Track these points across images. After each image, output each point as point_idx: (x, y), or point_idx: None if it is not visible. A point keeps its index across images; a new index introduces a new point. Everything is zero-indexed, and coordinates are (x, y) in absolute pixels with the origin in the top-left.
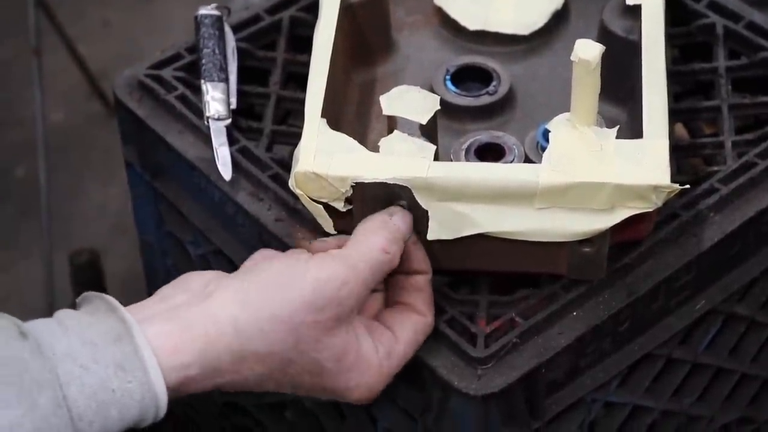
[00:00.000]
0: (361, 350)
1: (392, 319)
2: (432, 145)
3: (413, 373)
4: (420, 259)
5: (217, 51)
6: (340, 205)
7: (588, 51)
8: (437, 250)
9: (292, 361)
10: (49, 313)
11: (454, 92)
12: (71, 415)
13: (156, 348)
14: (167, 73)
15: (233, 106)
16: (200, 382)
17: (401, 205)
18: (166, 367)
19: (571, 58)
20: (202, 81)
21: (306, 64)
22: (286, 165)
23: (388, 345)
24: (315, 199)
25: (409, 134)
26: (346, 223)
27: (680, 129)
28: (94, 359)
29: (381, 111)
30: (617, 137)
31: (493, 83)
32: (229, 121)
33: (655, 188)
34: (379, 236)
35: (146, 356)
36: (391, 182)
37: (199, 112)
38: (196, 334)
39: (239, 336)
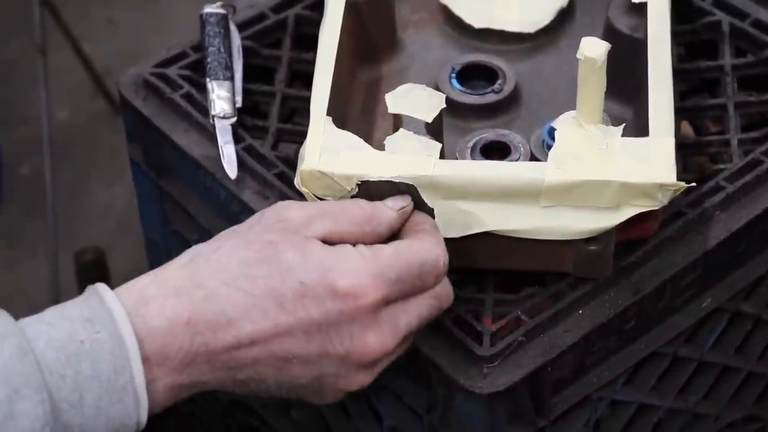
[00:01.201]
0: (332, 247)
1: None
2: (438, 143)
3: (419, 371)
4: (419, 217)
5: (222, 49)
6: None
7: (594, 49)
8: None
9: (250, 262)
10: None
11: (460, 90)
12: (40, 367)
13: (126, 302)
14: (173, 71)
15: (239, 104)
16: (175, 330)
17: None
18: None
19: (577, 56)
20: (208, 79)
21: (311, 63)
22: (292, 163)
23: (371, 246)
24: (321, 197)
25: (414, 132)
26: None
27: (686, 127)
28: (61, 316)
29: (386, 109)
30: (623, 135)
31: (499, 81)
32: (234, 119)
33: (661, 186)
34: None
35: (114, 307)
36: (397, 180)
37: (204, 110)
38: (167, 285)
39: (196, 252)
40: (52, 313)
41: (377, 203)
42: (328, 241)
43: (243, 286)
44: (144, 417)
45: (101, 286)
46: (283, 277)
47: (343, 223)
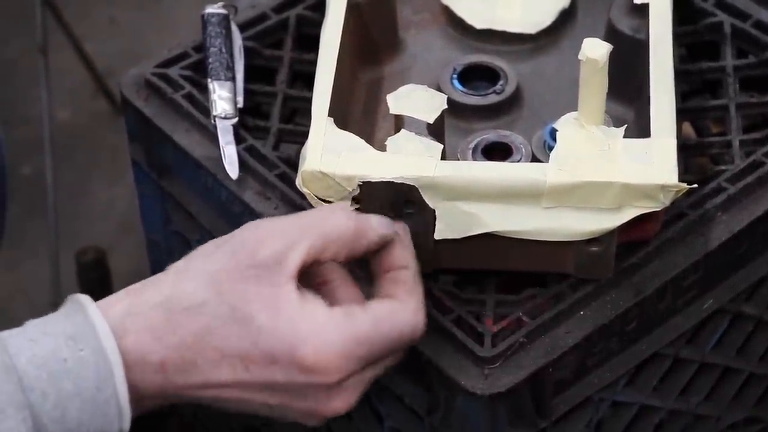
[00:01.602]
0: (306, 306)
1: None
2: (439, 144)
3: (420, 372)
4: (401, 255)
5: (224, 50)
6: (347, 205)
7: (596, 50)
8: (444, 249)
9: (223, 319)
10: (54, 311)
11: (461, 91)
12: (22, 385)
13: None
14: (174, 71)
15: (240, 104)
16: (152, 353)
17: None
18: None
19: (579, 57)
20: (209, 80)
21: (312, 63)
22: (293, 164)
23: (349, 308)
24: (322, 198)
25: (416, 133)
26: None
27: (687, 128)
28: (44, 332)
29: (388, 110)
30: (625, 136)
31: (500, 82)
32: (236, 119)
33: (663, 187)
34: (330, 207)
35: (97, 323)
36: (399, 181)
37: (205, 110)
38: (143, 322)
39: (170, 295)
40: (34, 329)
41: (362, 218)
42: (307, 263)
43: (214, 342)
44: (127, 425)
45: (84, 299)
46: (255, 342)
47: (324, 240)
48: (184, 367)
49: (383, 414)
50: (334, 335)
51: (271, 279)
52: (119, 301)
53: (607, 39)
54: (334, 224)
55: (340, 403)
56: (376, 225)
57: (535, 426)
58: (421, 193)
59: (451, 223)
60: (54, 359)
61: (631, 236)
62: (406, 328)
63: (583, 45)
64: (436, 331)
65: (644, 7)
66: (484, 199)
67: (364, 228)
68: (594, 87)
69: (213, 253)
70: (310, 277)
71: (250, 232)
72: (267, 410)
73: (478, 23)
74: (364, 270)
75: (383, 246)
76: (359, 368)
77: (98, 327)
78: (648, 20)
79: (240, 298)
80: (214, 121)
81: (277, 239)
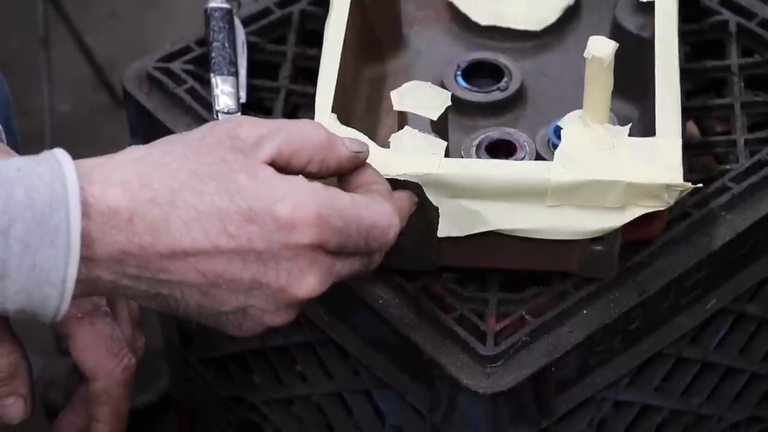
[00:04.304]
0: (285, 176)
1: None
2: (443, 141)
3: (421, 370)
4: (372, 173)
5: (226, 44)
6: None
7: (601, 48)
8: (447, 247)
9: (200, 176)
10: None
11: (465, 88)
12: None
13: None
14: (176, 66)
15: (243, 99)
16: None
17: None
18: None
19: (585, 55)
20: (212, 74)
21: (315, 59)
22: None
23: (328, 187)
24: None
25: (419, 130)
26: None
27: (691, 127)
28: (6, 153)
29: (391, 106)
30: (629, 135)
31: (505, 79)
32: (238, 115)
33: (668, 187)
34: (304, 120)
35: (57, 152)
36: (402, 179)
37: (208, 105)
38: (113, 175)
39: (145, 153)
40: None
41: (334, 134)
42: (278, 161)
43: (189, 199)
44: (71, 275)
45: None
46: (232, 197)
47: (296, 143)
48: (154, 225)
49: (384, 411)
50: (312, 197)
51: (247, 153)
52: (88, 160)
53: (612, 36)
54: (308, 131)
55: (312, 279)
56: (349, 142)
57: (537, 425)
58: (425, 191)
59: (455, 221)
60: (7, 167)
61: (635, 235)
62: (382, 220)
63: (588, 43)
64: (439, 329)
65: (650, 5)
66: (488, 197)
67: (336, 140)
68: (599, 85)
69: (189, 132)
70: None
71: (226, 119)
72: (234, 301)
73: (483, 20)
74: None
75: (355, 167)
76: (330, 243)
77: (62, 160)
78: (653, 18)
79: (219, 159)
80: (217, 116)
81: (252, 128)
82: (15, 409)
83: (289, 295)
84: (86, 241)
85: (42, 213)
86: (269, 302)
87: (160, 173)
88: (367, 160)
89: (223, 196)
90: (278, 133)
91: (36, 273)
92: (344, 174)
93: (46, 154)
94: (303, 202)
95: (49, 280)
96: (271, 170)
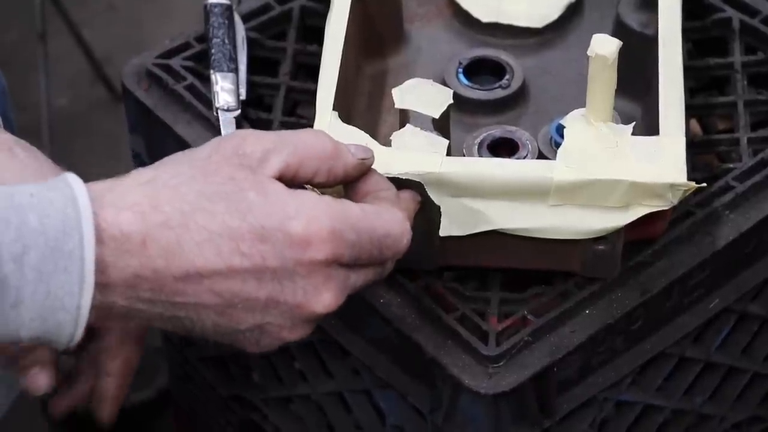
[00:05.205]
0: (294, 191)
1: None
2: (445, 139)
3: (423, 370)
4: (379, 179)
5: (226, 41)
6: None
7: (605, 46)
8: (449, 246)
9: (210, 196)
10: None
11: (467, 85)
12: None
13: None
14: (176, 62)
15: (243, 96)
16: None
17: None
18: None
19: (588, 53)
20: (212, 71)
21: (316, 55)
22: None
23: (339, 200)
24: (326, 194)
25: (421, 128)
26: None
27: (694, 125)
28: (21, 178)
29: (392, 103)
30: (633, 133)
31: (506, 77)
32: (238, 112)
33: (672, 186)
34: (308, 129)
35: (69, 176)
36: (404, 177)
37: (208, 102)
38: (124, 198)
39: (154, 176)
40: (6, 175)
41: (340, 142)
42: (286, 174)
43: (200, 220)
44: (86, 302)
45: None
46: (243, 216)
47: (302, 154)
48: (167, 248)
49: (385, 410)
50: (325, 212)
51: (255, 170)
52: (98, 183)
53: (614, 34)
54: (313, 142)
55: (328, 294)
56: (354, 149)
57: (539, 425)
58: (427, 190)
59: (457, 220)
60: (20, 193)
61: (638, 235)
62: (394, 229)
63: (592, 41)
64: (440, 329)
65: (653, 2)
66: (490, 196)
67: (341, 148)
68: (602, 84)
69: (195, 149)
70: None
71: (231, 135)
72: (251, 319)
73: (484, 16)
74: None
75: (361, 174)
76: (344, 257)
77: (74, 184)
78: (657, 15)
79: (228, 178)
80: (217, 113)
81: (258, 143)
82: (40, 379)
83: (306, 312)
84: (100, 266)
85: (55, 239)
86: (286, 319)
87: (169, 195)
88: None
89: (234, 216)
90: (284, 146)
91: (50, 300)
92: (351, 182)
93: (57, 180)
94: (315, 217)
95: (64, 306)
96: (280, 186)
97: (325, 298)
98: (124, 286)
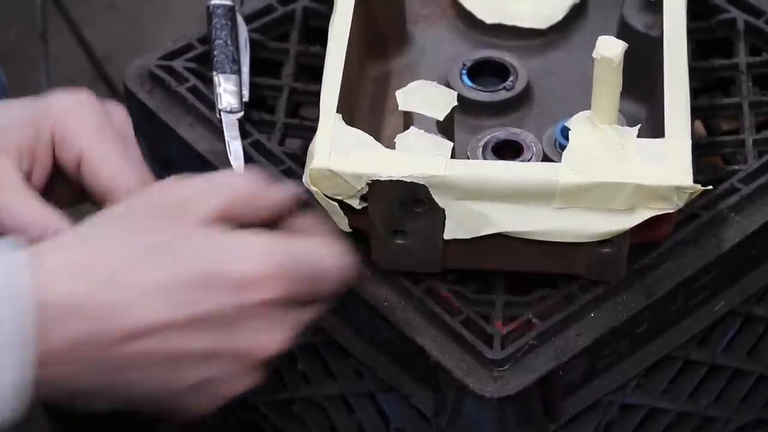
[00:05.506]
0: (227, 232)
1: None
2: (449, 141)
3: (426, 373)
4: (310, 217)
5: (229, 42)
6: (356, 203)
7: (611, 48)
8: (453, 249)
9: (140, 252)
10: None
11: (471, 87)
12: None
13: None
14: (178, 63)
15: (245, 98)
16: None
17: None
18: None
19: (593, 55)
20: (215, 73)
21: (319, 56)
22: (299, 159)
23: (273, 235)
24: (330, 196)
25: (425, 130)
26: (361, 220)
27: (698, 126)
28: None
29: (396, 105)
30: (638, 136)
31: (511, 78)
32: (241, 114)
33: (678, 189)
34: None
35: (8, 241)
36: (408, 180)
37: (210, 104)
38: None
39: (86, 233)
40: None
41: (265, 181)
42: (218, 219)
43: (130, 278)
44: (22, 401)
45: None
46: (176, 266)
47: (231, 197)
48: (101, 309)
49: (389, 413)
50: (262, 249)
51: (185, 217)
52: (38, 247)
53: (619, 35)
54: (240, 184)
55: (278, 336)
56: (284, 186)
57: (544, 429)
58: (431, 193)
59: (461, 223)
60: None
61: (643, 237)
62: (331, 260)
63: (597, 43)
64: (444, 332)
65: (658, 3)
66: (495, 198)
67: (269, 187)
68: (608, 86)
69: (123, 203)
70: None
71: (158, 185)
72: (194, 374)
73: (488, 18)
74: None
75: (290, 212)
76: (294, 294)
77: (13, 251)
78: (661, 16)
79: (158, 230)
80: (220, 115)
81: (184, 189)
82: None
83: (255, 358)
84: (40, 335)
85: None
86: (233, 369)
87: (98, 253)
88: (372, 163)
89: (167, 268)
90: (212, 190)
91: None
92: (283, 220)
93: None
94: (253, 256)
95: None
96: (214, 230)
97: (273, 340)
98: (64, 352)
